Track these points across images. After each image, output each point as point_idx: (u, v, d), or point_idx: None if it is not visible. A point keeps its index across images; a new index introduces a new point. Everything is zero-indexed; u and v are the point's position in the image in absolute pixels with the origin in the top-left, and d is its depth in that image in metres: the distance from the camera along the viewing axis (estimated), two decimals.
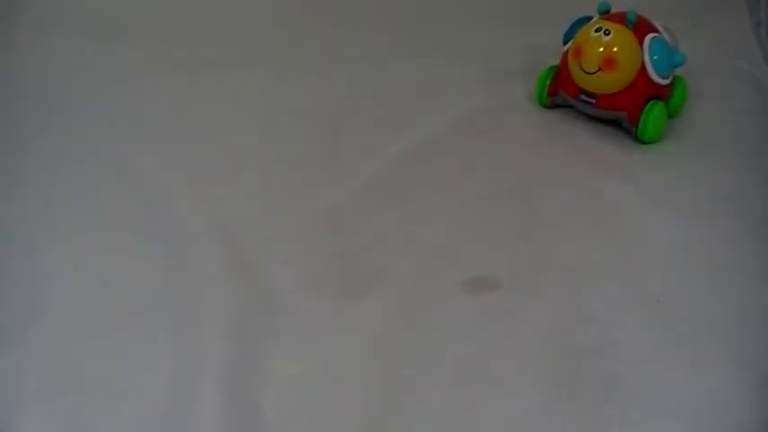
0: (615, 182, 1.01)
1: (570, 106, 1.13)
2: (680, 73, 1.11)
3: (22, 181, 1.02)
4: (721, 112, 1.14)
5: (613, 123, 1.10)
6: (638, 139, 1.07)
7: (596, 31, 1.05)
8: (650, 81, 1.06)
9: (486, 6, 1.34)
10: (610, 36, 1.04)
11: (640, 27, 1.06)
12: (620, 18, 1.06)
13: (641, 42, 1.05)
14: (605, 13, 1.09)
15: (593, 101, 1.08)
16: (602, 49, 1.04)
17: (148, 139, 1.09)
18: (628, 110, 1.07)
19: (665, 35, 1.08)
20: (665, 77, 1.07)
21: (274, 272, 0.89)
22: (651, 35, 1.06)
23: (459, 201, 0.99)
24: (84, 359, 0.80)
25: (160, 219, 0.96)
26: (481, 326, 0.83)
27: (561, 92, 1.13)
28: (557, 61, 1.13)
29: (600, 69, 1.04)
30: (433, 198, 0.99)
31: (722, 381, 0.77)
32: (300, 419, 0.75)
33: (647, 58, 1.05)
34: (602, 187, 1.00)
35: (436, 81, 1.20)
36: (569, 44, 1.10)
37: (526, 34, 1.28)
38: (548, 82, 1.13)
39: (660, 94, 1.08)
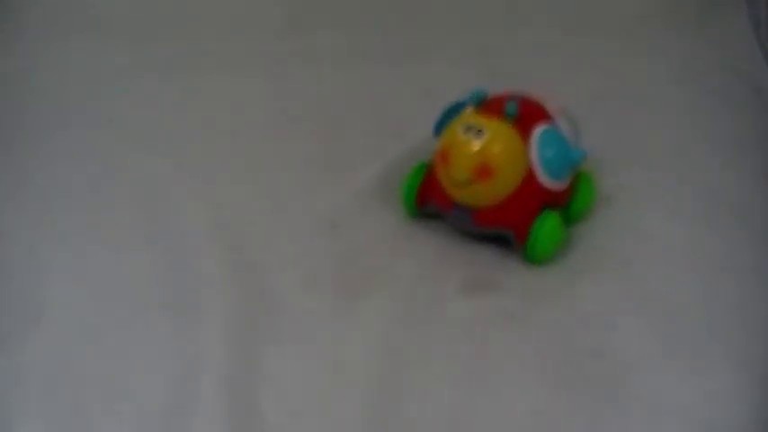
0: (614, 181, 1.01)
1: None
2: (584, 167, 0.91)
3: (22, 181, 1.02)
4: (721, 111, 1.14)
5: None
6: (527, 259, 0.87)
7: (466, 130, 0.84)
8: (541, 187, 0.85)
9: (486, 6, 1.33)
10: (483, 136, 0.83)
11: (526, 118, 0.85)
12: (499, 109, 0.84)
13: (528, 138, 0.84)
14: (480, 103, 0.87)
15: (470, 216, 0.87)
16: (473, 154, 0.83)
17: (148, 139, 1.09)
18: (513, 225, 0.86)
19: (563, 124, 0.88)
20: (560, 180, 0.86)
21: (274, 272, 0.89)
22: (541, 128, 0.85)
23: None
24: (85, 359, 0.80)
25: (160, 219, 0.96)
26: (481, 326, 0.83)
27: (432, 202, 0.91)
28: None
29: (473, 179, 0.84)
30: None
31: (722, 381, 0.77)
32: (300, 419, 0.75)
33: (535, 157, 0.84)
34: (601, 187, 1.00)
35: (435, 81, 1.20)
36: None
37: (526, 34, 1.27)
38: (416, 187, 0.91)
39: (555, 201, 0.87)
